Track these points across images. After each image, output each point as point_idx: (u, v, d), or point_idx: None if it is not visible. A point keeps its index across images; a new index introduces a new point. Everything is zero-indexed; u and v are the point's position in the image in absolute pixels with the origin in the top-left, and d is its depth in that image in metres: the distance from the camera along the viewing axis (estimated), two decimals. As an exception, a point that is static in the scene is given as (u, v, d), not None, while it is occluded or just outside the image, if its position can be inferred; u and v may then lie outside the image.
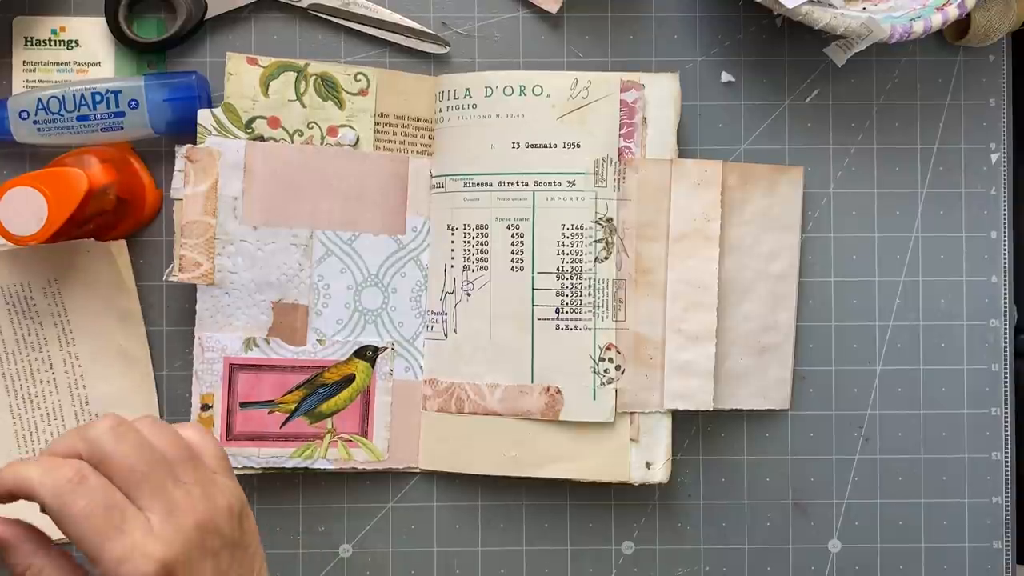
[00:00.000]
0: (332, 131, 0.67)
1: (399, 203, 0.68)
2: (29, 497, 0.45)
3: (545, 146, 0.66)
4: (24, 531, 0.46)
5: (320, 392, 0.67)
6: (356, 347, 0.68)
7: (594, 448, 0.66)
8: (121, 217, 0.67)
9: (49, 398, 0.68)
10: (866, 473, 0.70)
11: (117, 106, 0.65)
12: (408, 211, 0.68)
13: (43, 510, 0.45)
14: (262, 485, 0.69)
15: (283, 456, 0.67)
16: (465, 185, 0.67)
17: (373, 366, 0.68)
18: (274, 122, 0.67)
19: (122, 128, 0.66)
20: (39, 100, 0.65)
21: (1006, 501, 0.70)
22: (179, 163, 0.65)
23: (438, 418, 0.68)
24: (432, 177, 0.68)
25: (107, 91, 0.65)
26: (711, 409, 0.67)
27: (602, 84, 0.66)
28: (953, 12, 0.64)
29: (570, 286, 0.66)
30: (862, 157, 0.71)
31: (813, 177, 0.70)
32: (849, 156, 0.71)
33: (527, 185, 0.66)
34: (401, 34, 0.69)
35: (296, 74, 0.67)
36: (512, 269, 0.66)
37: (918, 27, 0.63)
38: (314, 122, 0.67)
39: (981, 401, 0.70)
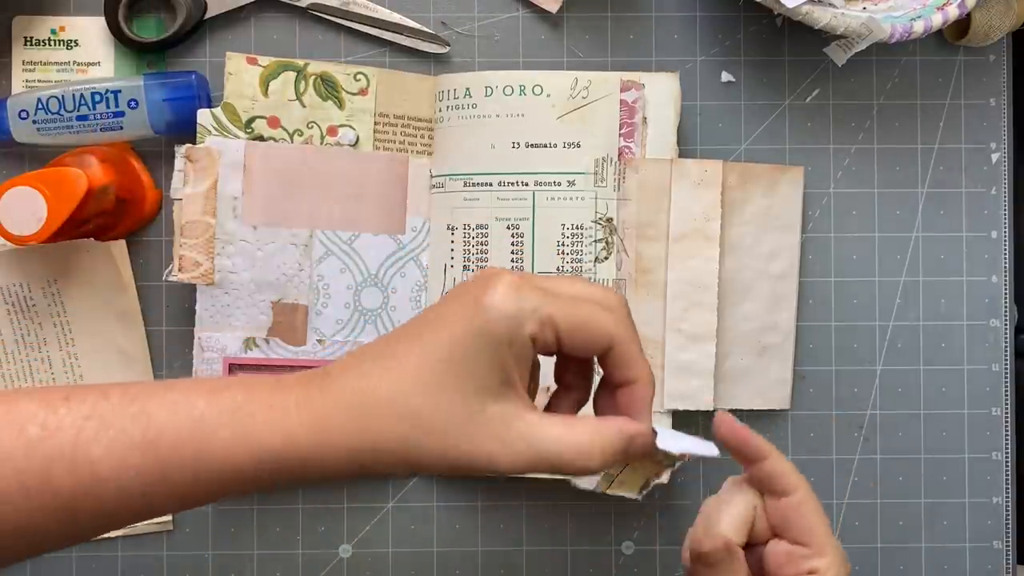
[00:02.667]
0: (332, 131, 0.67)
1: (399, 203, 0.68)
2: (779, 479, 0.49)
3: (545, 146, 0.66)
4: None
5: (320, 392, 0.67)
6: (356, 347, 0.68)
7: (594, 448, 0.66)
8: (121, 217, 0.67)
9: (49, 398, 0.67)
10: (866, 473, 0.70)
11: (117, 106, 0.65)
12: (408, 211, 0.68)
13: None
14: (262, 485, 0.69)
15: (283, 456, 0.67)
16: (465, 185, 0.67)
17: (373, 366, 0.68)
18: (274, 122, 0.67)
19: (122, 128, 0.66)
20: (39, 100, 0.65)
21: (1006, 501, 0.70)
22: (179, 163, 0.65)
23: (438, 418, 0.68)
24: (432, 177, 0.68)
25: (107, 91, 0.65)
26: (711, 409, 0.67)
27: (602, 84, 0.66)
28: (953, 12, 0.64)
29: (570, 286, 0.66)
30: (862, 157, 0.71)
31: (813, 177, 0.70)
32: (849, 156, 0.70)
33: (527, 185, 0.66)
34: (401, 34, 0.69)
35: (296, 74, 0.67)
36: (512, 269, 0.66)
37: (918, 27, 0.63)
38: (314, 122, 0.67)
39: (981, 401, 0.70)
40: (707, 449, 0.49)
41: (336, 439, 0.43)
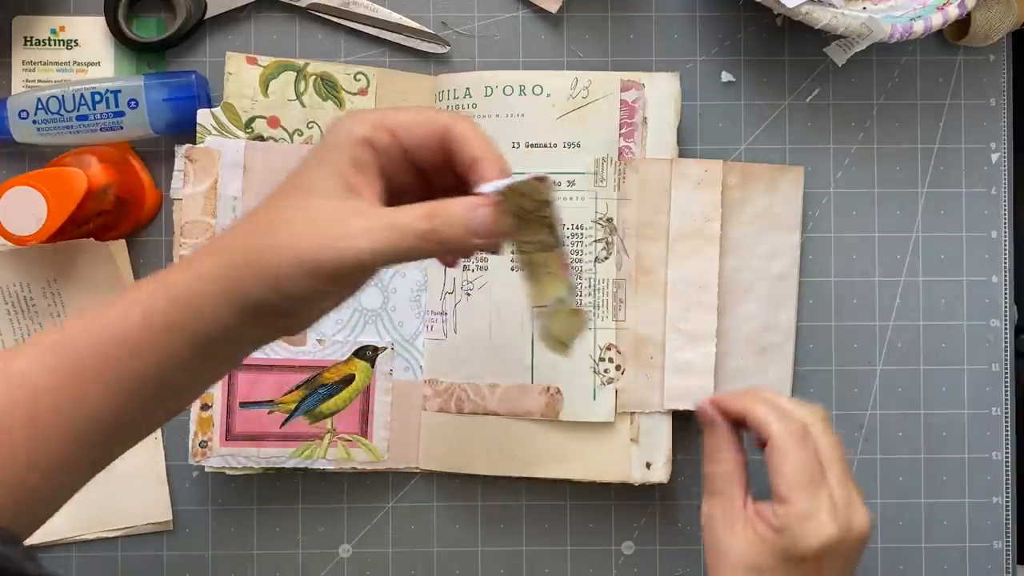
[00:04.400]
0: (332, 131, 0.67)
1: (399, 203, 0.68)
2: (758, 429, 0.55)
3: (545, 146, 0.66)
4: (731, 429, 0.57)
5: (320, 392, 0.67)
6: (356, 347, 0.68)
7: (594, 448, 0.66)
8: (121, 217, 0.67)
9: (49, 398, 0.67)
10: (866, 473, 0.70)
11: (117, 106, 0.65)
12: (408, 211, 0.68)
13: (759, 445, 0.55)
14: (262, 485, 0.69)
15: (283, 456, 0.67)
16: (465, 185, 0.66)
17: (373, 366, 0.68)
18: (274, 122, 0.67)
19: (122, 128, 0.66)
20: (39, 100, 0.65)
21: (1006, 501, 0.70)
22: (179, 163, 0.65)
23: (438, 418, 0.68)
24: (432, 177, 0.68)
25: (107, 91, 0.65)
26: (711, 409, 0.67)
27: (602, 84, 0.66)
28: (953, 12, 0.64)
29: (570, 286, 0.66)
30: (862, 157, 0.71)
31: (813, 177, 0.70)
32: (849, 156, 0.70)
33: (527, 185, 0.66)
34: (401, 34, 0.69)
35: (296, 74, 0.67)
36: (512, 269, 0.66)
37: (918, 27, 0.63)
38: (314, 122, 0.67)
39: (981, 401, 0.70)
40: (534, 173, 0.46)
41: (211, 274, 0.45)
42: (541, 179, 0.45)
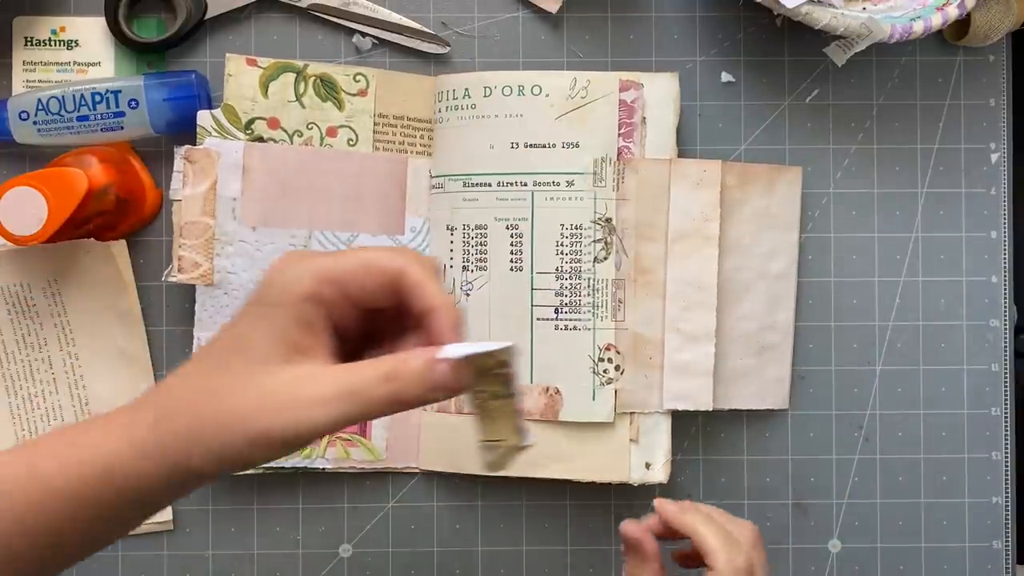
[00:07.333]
0: (331, 132, 0.67)
1: (397, 204, 0.68)
2: (703, 552, 0.53)
3: (544, 146, 0.66)
4: (654, 543, 0.55)
5: (320, 392, 0.67)
6: None
7: (594, 448, 0.66)
8: (121, 217, 0.67)
9: (49, 398, 0.68)
10: (866, 473, 0.70)
11: (117, 106, 0.66)
12: (407, 212, 0.68)
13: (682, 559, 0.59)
14: (262, 485, 0.69)
15: (283, 456, 0.67)
16: (464, 185, 0.67)
17: (372, 366, 0.68)
18: (274, 123, 0.67)
19: (122, 128, 0.66)
20: (39, 100, 0.65)
21: (1006, 501, 0.70)
22: (178, 164, 0.65)
23: (438, 418, 0.68)
24: (432, 177, 0.68)
25: (107, 91, 0.65)
26: (711, 410, 0.67)
27: (601, 84, 0.66)
28: (953, 12, 0.64)
29: (569, 286, 0.66)
30: (862, 157, 0.71)
31: (813, 177, 0.70)
32: (849, 156, 0.70)
33: (526, 185, 0.66)
34: (401, 34, 0.69)
35: (295, 75, 0.67)
36: (511, 269, 0.66)
37: (918, 27, 0.63)
38: (313, 123, 0.67)
39: (981, 401, 0.70)
40: (499, 344, 0.45)
41: (149, 447, 0.42)
42: (506, 350, 0.44)
